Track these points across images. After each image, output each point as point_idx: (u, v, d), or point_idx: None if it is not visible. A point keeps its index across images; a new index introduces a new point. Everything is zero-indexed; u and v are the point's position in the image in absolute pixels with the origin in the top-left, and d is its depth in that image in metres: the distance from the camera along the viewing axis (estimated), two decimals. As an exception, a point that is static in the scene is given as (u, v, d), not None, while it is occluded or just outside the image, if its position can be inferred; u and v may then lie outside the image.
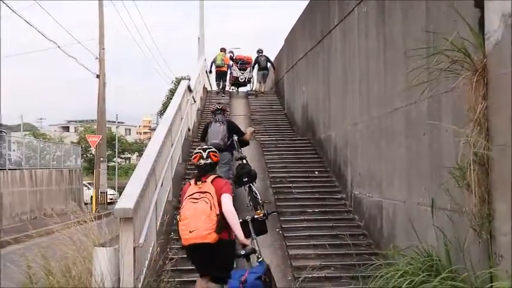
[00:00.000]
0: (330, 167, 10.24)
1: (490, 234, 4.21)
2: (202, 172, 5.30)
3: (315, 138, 11.71)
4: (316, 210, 8.75)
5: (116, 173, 45.55)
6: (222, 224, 4.99)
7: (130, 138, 66.88)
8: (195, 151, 5.51)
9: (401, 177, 6.40)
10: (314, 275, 6.34)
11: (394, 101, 6.60)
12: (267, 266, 5.35)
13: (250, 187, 8.31)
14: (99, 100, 25.29)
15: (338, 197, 9.26)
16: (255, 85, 19.04)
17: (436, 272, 4.54)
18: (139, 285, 5.29)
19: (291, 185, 9.80)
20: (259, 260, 5.50)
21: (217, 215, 4.98)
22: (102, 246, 5.19)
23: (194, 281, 6.15)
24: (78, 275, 5.25)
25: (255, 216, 6.15)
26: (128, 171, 51.47)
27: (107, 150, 30.52)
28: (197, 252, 5.09)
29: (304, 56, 13.05)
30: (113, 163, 49.12)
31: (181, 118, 10.70)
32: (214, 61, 18.91)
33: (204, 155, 5.37)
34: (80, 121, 66.83)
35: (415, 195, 5.93)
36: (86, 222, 6.20)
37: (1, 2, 18.25)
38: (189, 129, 12.24)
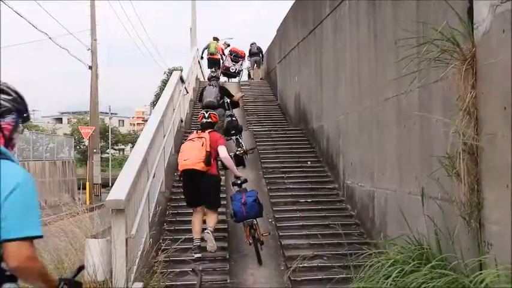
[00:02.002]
0: (323, 157, 10.27)
1: (479, 223, 4.24)
2: (203, 127, 7.24)
3: (308, 128, 11.73)
4: (308, 200, 8.78)
5: (110, 165, 45.50)
6: (210, 159, 6.76)
7: (123, 130, 66.67)
8: (200, 112, 7.66)
9: (393, 167, 6.42)
10: (306, 264, 6.38)
11: (385, 91, 6.61)
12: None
13: (237, 139, 9.96)
14: (91, 91, 25.21)
15: (330, 186, 9.30)
16: (246, 72, 19.64)
17: (426, 261, 4.56)
18: (132, 276, 5.30)
19: (283, 175, 9.82)
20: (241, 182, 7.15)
21: (206, 151, 6.74)
22: (94, 238, 5.21)
23: (186, 272, 6.22)
24: (71, 266, 5.25)
25: (236, 152, 8.87)
26: (121, 162, 51.42)
27: (100, 141, 30.46)
28: (190, 178, 6.80)
29: (296, 46, 13.02)
30: (107, 155, 49.04)
31: (174, 109, 10.67)
32: (207, 48, 19.24)
33: (206, 115, 7.38)
34: (73, 112, 66.55)
35: (406, 184, 5.96)
36: (78, 214, 6.21)
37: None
38: (181, 120, 12.20)
